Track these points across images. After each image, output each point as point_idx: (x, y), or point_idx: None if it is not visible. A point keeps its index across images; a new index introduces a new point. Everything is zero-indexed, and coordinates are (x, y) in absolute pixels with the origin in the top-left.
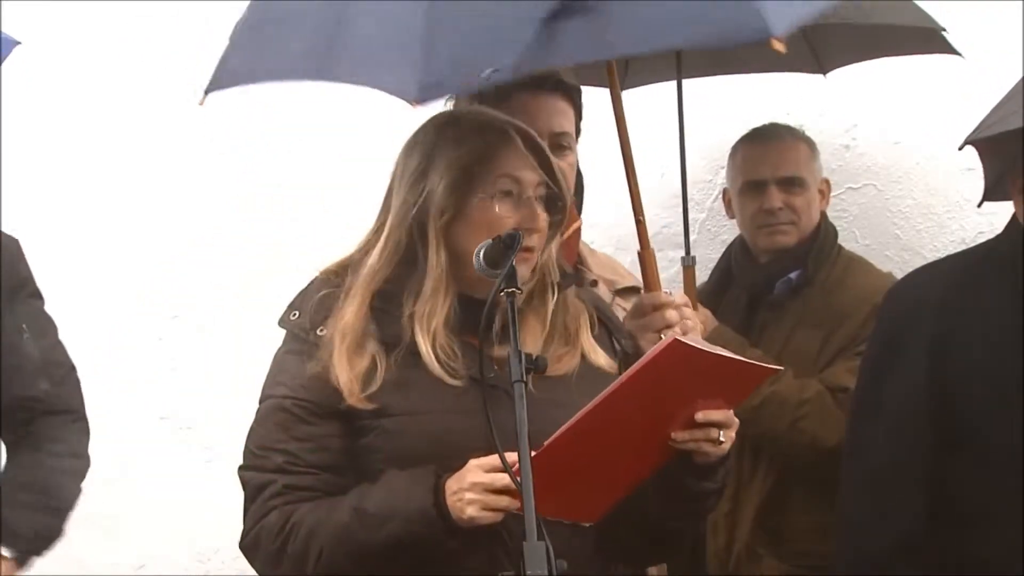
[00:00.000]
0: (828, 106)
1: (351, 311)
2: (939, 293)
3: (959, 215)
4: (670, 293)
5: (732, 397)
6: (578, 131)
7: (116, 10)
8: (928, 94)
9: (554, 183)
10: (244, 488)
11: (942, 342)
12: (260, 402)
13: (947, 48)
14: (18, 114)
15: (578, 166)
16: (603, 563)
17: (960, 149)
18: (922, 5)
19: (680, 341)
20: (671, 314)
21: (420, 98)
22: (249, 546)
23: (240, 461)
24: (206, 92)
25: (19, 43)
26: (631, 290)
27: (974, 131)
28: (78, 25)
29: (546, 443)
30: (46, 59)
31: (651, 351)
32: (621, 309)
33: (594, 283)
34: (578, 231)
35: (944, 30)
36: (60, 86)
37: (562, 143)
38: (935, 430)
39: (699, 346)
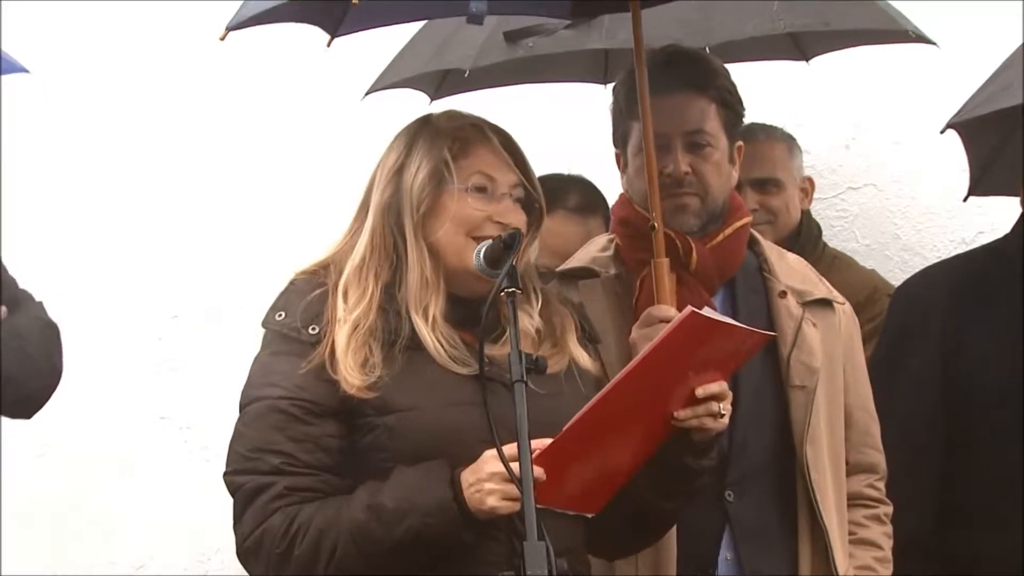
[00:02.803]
0: (828, 106)
1: (362, 306)
2: (948, 293)
3: (959, 215)
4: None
5: (726, 368)
6: (728, 123)
7: (116, 10)
8: (928, 95)
9: (531, 185)
10: (233, 492)
11: (952, 342)
12: (244, 405)
13: (924, 38)
14: (19, 114)
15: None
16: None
17: (942, 132)
18: (918, 7)
19: (697, 313)
20: None
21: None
22: (250, 550)
23: None
24: (228, 29)
25: (26, 71)
26: (824, 303)
27: (956, 114)
28: (78, 25)
29: (561, 431)
30: (46, 60)
31: (669, 326)
32: (811, 324)
33: (782, 294)
34: (746, 228)
35: (914, 32)
36: (61, 86)
37: (698, 141)
38: (945, 430)
39: (714, 317)
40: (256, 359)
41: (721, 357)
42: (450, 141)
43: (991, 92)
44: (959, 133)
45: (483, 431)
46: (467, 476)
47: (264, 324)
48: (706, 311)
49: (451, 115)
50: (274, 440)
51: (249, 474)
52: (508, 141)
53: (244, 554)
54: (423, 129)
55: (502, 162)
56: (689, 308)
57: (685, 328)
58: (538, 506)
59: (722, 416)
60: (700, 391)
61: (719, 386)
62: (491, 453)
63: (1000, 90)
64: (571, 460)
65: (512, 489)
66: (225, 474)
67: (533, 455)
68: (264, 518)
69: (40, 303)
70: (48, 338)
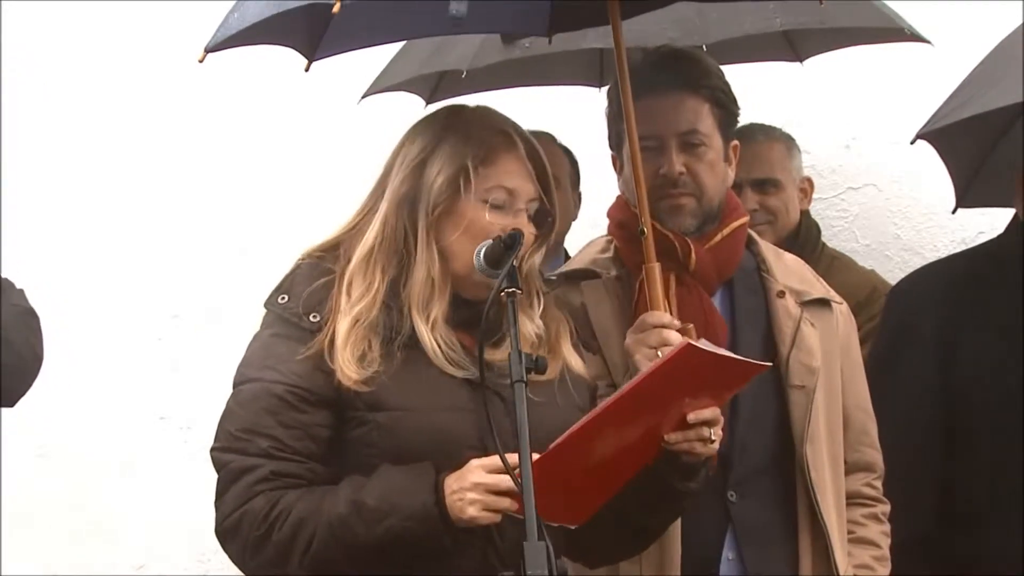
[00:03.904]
0: (828, 106)
1: (366, 301)
2: (943, 293)
3: (959, 215)
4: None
5: (720, 394)
6: (722, 123)
7: (119, 10)
8: (928, 95)
9: (547, 198)
10: (219, 469)
11: (949, 342)
12: (239, 383)
13: (918, 37)
14: (20, 114)
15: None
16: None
17: (912, 143)
18: (918, 6)
19: (693, 345)
20: (670, 334)
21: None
22: (229, 529)
23: None
24: (206, 50)
25: None
26: (821, 303)
27: (925, 124)
28: (77, 25)
29: (552, 446)
30: (47, 60)
31: (664, 355)
32: (809, 324)
33: (780, 294)
34: (744, 228)
35: (909, 30)
36: (61, 86)
37: (692, 141)
38: (943, 429)
39: (710, 349)
40: (256, 337)
41: (716, 384)
42: (476, 146)
43: (959, 102)
44: (933, 144)
45: (472, 437)
46: (450, 483)
47: (266, 304)
48: (702, 343)
49: (484, 115)
50: (265, 423)
51: (237, 453)
52: (532, 150)
53: (223, 533)
54: (454, 126)
55: (524, 173)
56: (686, 340)
57: (679, 360)
58: (520, 516)
59: (712, 442)
60: (692, 417)
61: (712, 412)
62: (477, 462)
63: (967, 100)
64: (559, 474)
65: (493, 500)
66: (212, 449)
67: None
68: (246, 499)
69: (21, 291)
70: (27, 325)
